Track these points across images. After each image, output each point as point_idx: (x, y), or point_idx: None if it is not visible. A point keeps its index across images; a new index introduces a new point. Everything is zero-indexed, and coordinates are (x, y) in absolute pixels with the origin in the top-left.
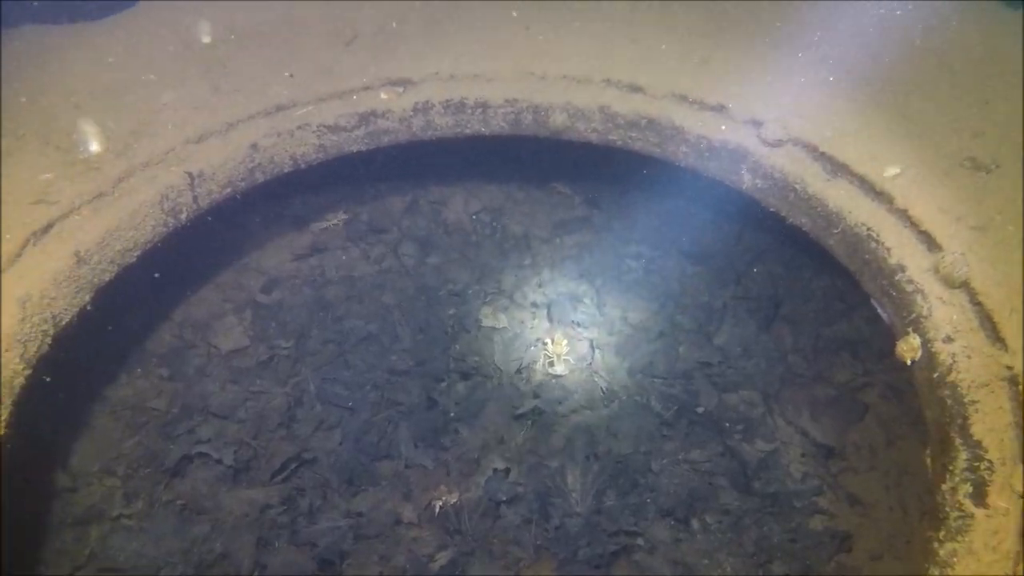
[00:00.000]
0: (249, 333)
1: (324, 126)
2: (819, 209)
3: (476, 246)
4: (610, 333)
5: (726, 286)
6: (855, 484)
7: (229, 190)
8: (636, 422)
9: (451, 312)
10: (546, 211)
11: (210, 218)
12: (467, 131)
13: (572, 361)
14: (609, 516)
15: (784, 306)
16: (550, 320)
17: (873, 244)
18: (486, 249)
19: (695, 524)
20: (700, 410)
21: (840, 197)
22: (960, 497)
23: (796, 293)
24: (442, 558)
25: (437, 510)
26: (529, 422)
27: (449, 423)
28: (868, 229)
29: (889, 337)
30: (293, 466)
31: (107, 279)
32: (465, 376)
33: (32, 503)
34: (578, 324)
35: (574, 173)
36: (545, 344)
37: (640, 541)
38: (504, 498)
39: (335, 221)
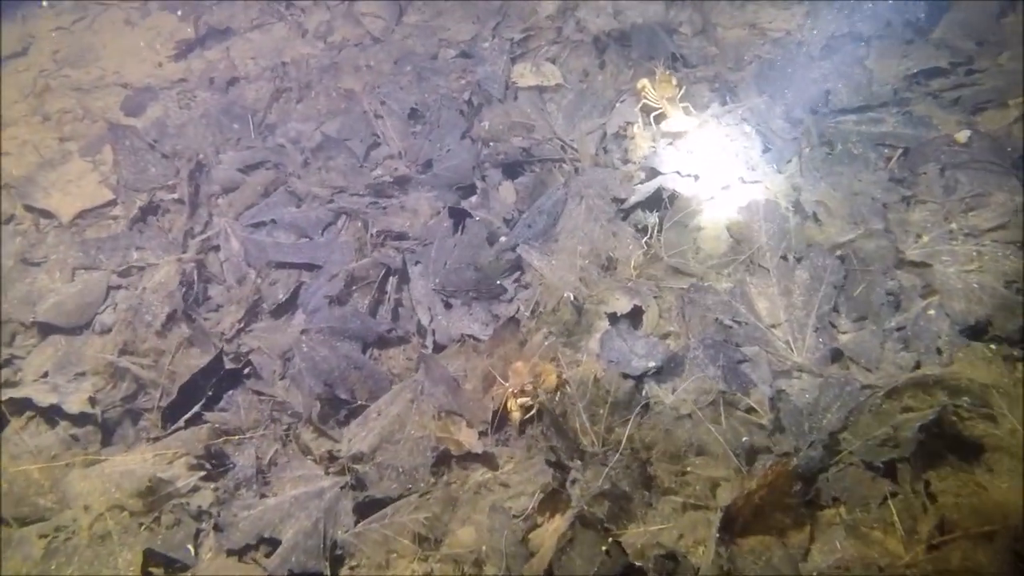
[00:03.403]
0: (110, 181)
1: None
2: None
3: None
4: (738, 61)
5: None
6: None
7: None
8: (843, 184)
9: (462, 81)
10: None
11: None
12: None
13: (693, 109)
14: (862, 355)
15: None
16: (631, 61)
17: None
18: None
19: None
20: (966, 136)
21: None
22: None
23: None
24: (563, 528)
25: (518, 420)
26: (651, 218)
27: (502, 254)
28: None
29: None
30: (208, 395)
31: None
32: (511, 169)
33: None
34: (681, 60)
35: None
36: (641, 90)
37: (944, 397)
38: (649, 364)
39: None
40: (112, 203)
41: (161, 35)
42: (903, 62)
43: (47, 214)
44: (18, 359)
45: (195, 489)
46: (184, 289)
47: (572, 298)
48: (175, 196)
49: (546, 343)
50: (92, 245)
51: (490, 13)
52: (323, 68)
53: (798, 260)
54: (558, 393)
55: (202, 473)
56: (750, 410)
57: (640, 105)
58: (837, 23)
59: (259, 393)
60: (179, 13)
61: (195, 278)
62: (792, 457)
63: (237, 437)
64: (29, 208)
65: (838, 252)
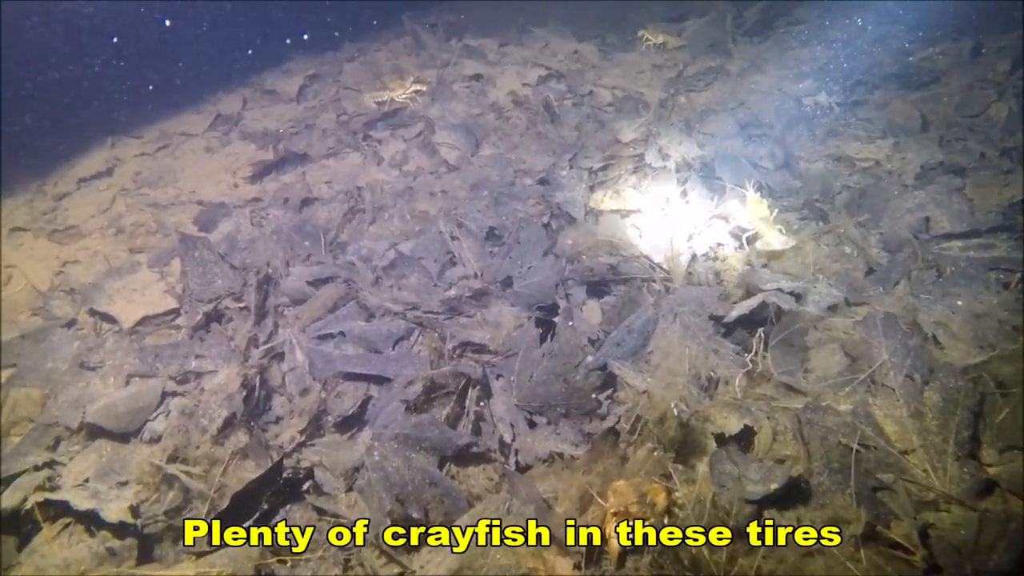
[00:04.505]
0: (175, 290)
1: None
2: None
3: (556, 122)
4: (825, 192)
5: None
6: None
7: None
8: (963, 306)
9: (540, 206)
10: (646, 72)
11: None
12: None
13: (784, 229)
14: (1022, 488)
15: None
16: (715, 188)
17: None
18: (572, 122)
19: None
20: None
21: None
22: None
23: None
24: None
25: (618, 549)
26: (754, 337)
27: (588, 378)
28: None
29: None
30: (262, 508)
31: None
32: (596, 288)
33: None
34: (767, 189)
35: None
36: (723, 221)
37: None
38: (771, 487)
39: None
40: (175, 312)
41: (239, 161)
42: (1005, 190)
43: (109, 318)
44: (59, 464)
45: None
46: (244, 393)
47: (677, 412)
48: (241, 305)
49: (654, 455)
50: (150, 352)
51: (567, 147)
52: (398, 192)
53: (925, 382)
54: (666, 516)
55: None
56: (895, 545)
57: (732, 227)
58: (929, 154)
59: (320, 510)
60: (257, 144)
61: (256, 385)
62: None
63: (292, 558)
64: (92, 312)
65: (970, 375)
